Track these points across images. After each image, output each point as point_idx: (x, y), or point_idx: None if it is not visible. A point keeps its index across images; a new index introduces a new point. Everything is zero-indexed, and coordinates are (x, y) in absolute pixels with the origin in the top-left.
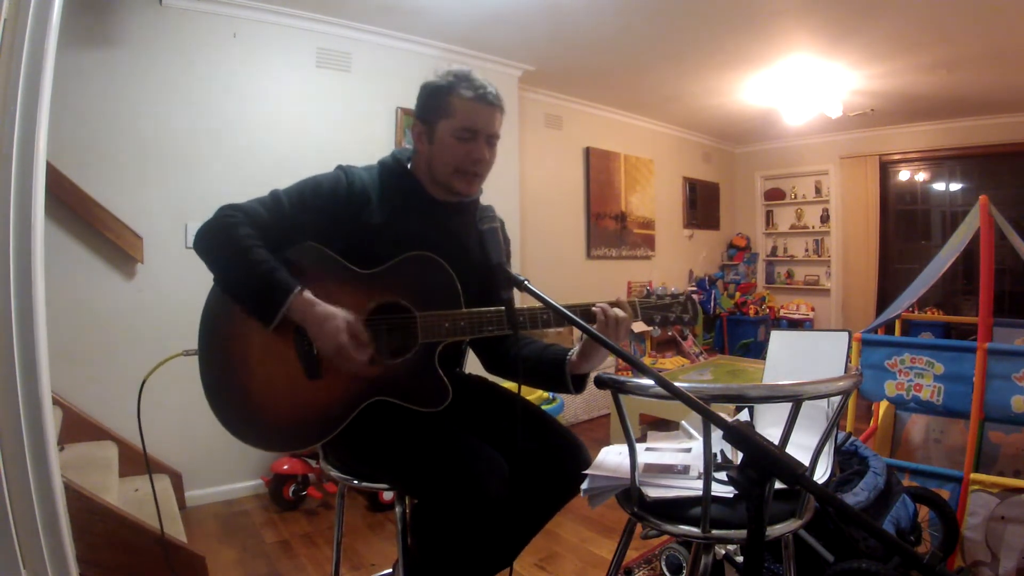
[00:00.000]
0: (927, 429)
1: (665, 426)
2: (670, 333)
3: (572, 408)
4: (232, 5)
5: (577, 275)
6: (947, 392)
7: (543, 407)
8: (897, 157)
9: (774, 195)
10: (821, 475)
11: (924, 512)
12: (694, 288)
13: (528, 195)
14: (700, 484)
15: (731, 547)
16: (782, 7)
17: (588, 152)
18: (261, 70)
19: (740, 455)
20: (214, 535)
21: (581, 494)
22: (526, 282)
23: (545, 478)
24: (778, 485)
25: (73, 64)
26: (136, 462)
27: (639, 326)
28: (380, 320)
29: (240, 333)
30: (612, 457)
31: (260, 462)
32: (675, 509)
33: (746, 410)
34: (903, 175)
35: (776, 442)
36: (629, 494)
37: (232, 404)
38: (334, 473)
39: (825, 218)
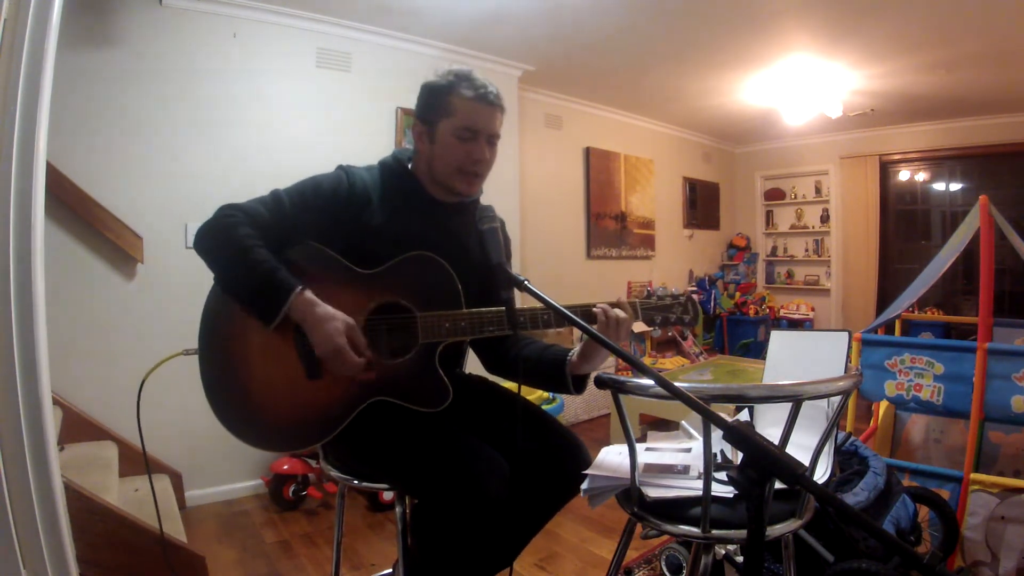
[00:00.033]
0: (927, 429)
1: (665, 426)
2: (670, 333)
3: (572, 408)
4: (232, 5)
5: (577, 275)
6: (947, 392)
7: (543, 407)
8: (897, 157)
9: (774, 195)
10: (821, 475)
11: (924, 512)
12: (694, 288)
13: (528, 195)
14: (700, 484)
15: (731, 547)
16: (782, 7)
17: (588, 152)
18: (261, 70)
19: (740, 455)
20: (214, 535)
21: (581, 494)
22: (526, 282)
23: (545, 478)
24: (778, 485)
25: (73, 64)
26: (136, 462)
27: (639, 326)
28: (381, 320)
29: (240, 332)
30: (612, 457)
31: (260, 462)
32: (675, 509)
33: (746, 410)
34: (903, 175)
35: (776, 442)
36: (629, 494)
37: (232, 404)
38: (334, 473)
39: (825, 218)
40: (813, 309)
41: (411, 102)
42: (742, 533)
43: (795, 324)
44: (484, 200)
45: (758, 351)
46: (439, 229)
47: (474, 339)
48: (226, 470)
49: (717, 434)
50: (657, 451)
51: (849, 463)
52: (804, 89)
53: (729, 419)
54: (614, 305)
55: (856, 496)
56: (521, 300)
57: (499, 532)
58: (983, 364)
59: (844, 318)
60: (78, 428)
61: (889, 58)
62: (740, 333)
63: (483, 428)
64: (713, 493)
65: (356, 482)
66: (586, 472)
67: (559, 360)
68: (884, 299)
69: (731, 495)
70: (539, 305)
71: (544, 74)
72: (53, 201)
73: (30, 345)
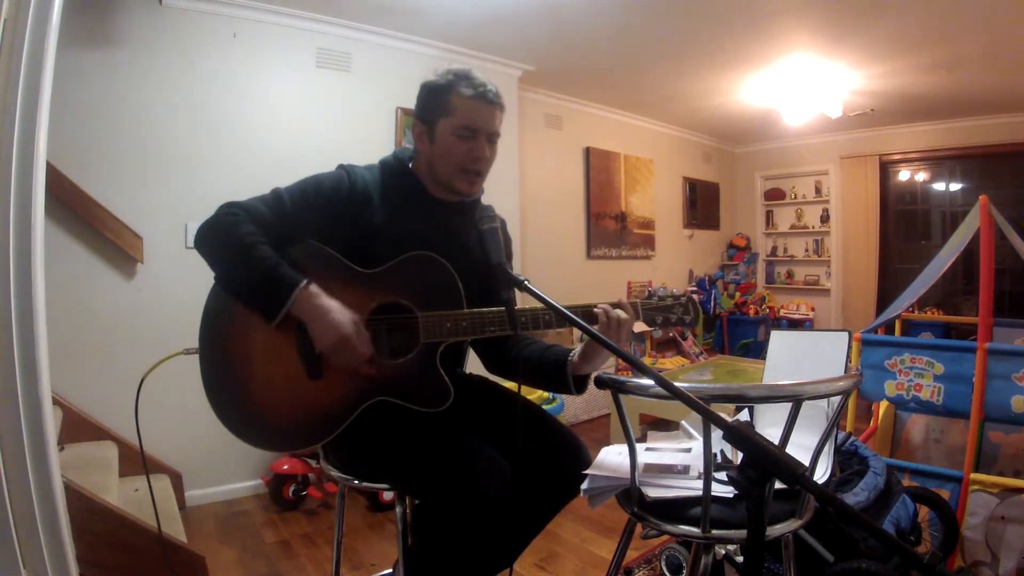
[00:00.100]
0: (927, 429)
1: (665, 426)
2: (671, 334)
3: (572, 408)
4: (232, 5)
5: (577, 275)
6: (947, 392)
7: (543, 407)
8: (897, 157)
9: (774, 195)
10: (821, 475)
11: (924, 512)
12: (694, 288)
13: (528, 195)
14: (700, 484)
15: (731, 547)
16: (782, 7)
17: (588, 152)
18: (261, 70)
19: (740, 455)
20: (214, 535)
21: (581, 494)
22: (526, 282)
23: (545, 478)
24: (778, 485)
25: (73, 64)
26: (136, 462)
27: (639, 326)
28: (382, 320)
29: (241, 332)
30: (612, 457)
31: (260, 462)
32: (675, 509)
33: (746, 410)
34: (903, 175)
35: (776, 442)
36: (629, 494)
37: (233, 403)
38: (334, 473)
39: (825, 218)
40: (813, 309)
41: (411, 102)
42: (742, 533)
43: (795, 324)
44: (484, 200)
45: (758, 351)
46: (440, 229)
47: (475, 339)
48: (226, 470)
49: (717, 434)
50: (657, 451)
51: (849, 463)
52: (804, 89)
53: (729, 419)
54: (615, 305)
55: (856, 496)
56: (522, 300)
57: (500, 532)
58: (983, 364)
59: (844, 318)
60: (78, 428)
61: (889, 58)
62: (740, 333)
63: (484, 428)
64: (713, 493)
65: (356, 482)
66: (586, 472)
67: (560, 360)
68: (884, 299)
69: (731, 495)
70: (540, 305)
71: (544, 74)
72: (53, 201)
73: (30, 345)
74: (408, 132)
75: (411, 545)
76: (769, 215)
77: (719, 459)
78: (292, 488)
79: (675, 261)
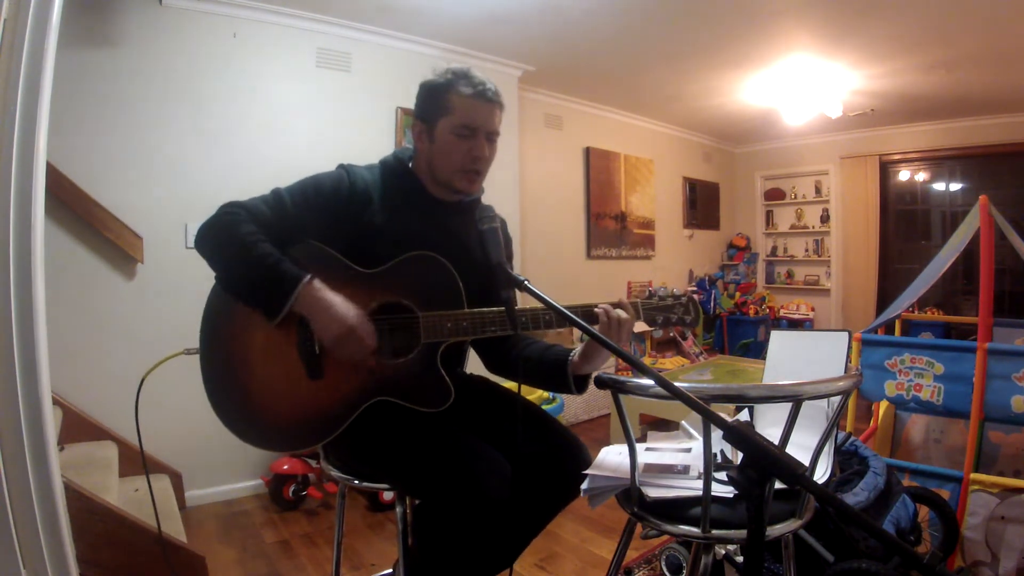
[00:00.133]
0: (927, 429)
1: (665, 426)
2: (671, 334)
3: (572, 408)
4: (232, 5)
5: (577, 275)
6: (947, 392)
7: (543, 407)
8: (897, 157)
9: (774, 195)
10: (821, 475)
11: (924, 512)
12: (694, 288)
13: (528, 195)
14: (700, 484)
15: (731, 547)
16: (782, 7)
17: (588, 152)
18: (261, 70)
19: (740, 455)
20: (214, 535)
21: (581, 494)
22: (526, 282)
23: (546, 478)
24: (778, 485)
25: (73, 64)
26: (136, 462)
27: (640, 326)
28: (382, 320)
29: (242, 332)
30: (612, 457)
31: (260, 462)
32: (675, 509)
33: (746, 410)
34: (903, 175)
35: (776, 442)
36: (629, 494)
37: (234, 403)
38: (335, 473)
39: (825, 218)
40: (813, 309)
41: (411, 102)
42: (742, 533)
43: (795, 324)
44: (484, 200)
45: (758, 351)
46: (440, 228)
47: (475, 339)
48: (226, 470)
49: (717, 434)
50: (657, 451)
51: (849, 463)
52: (804, 89)
53: (729, 419)
54: (616, 305)
55: (856, 496)
56: (522, 300)
57: (500, 533)
58: (983, 364)
59: (844, 318)
60: (78, 428)
61: (889, 58)
62: (740, 333)
63: (484, 429)
64: (713, 493)
65: (357, 482)
66: (586, 472)
67: (561, 360)
68: (884, 299)
69: (731, 495)
70: (540, 305)
71: (544, 74)
72: (53, 201)
73: (30, 345)
74: (408, 132)
75: (411, 545)
76: (769, 215)
77: (719, 459)
78: (292, 488)
79: (675, 261)
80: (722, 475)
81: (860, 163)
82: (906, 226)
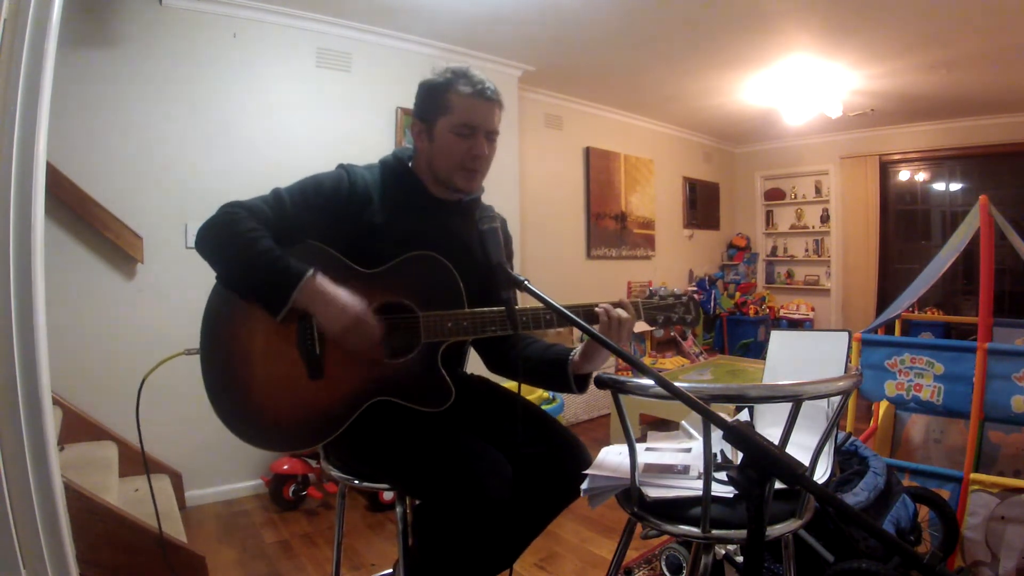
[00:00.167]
0: (927, 429)
1: (665, 426)
2: (671, 333)
3: (572, 408)
4: (232, 5)
5: (577, 275)
6: (947, 392)
7: (543, 407)
8: (897, 157)
9: (774, 195)
10: (821, 475)
11: (924, 512)
12: (694, 288)
13: (528, 195)
14: (700, 484)
15: (731, 547)
16: (782, 7)
17: (588, 152)
18: (261, 70)
19: (740, 455)
20: (214, 535)
21: (581, 494)
22: (526, 282)
23: (546, 478)
24: (778, 485)
25: (73, 64)
26: (136, 462)
27: (640, 325)
28: (383, 320)
29: (243, 332)
30: (612, 457)
31: (260, 462)
32: (675, 509)
33: (746, 410)
34: (903, 175)
35: (776, 442)
36: (629, 494)
37: (234, 403)
38: (335, 473)
39: (825, 218)
40: (813, 309)
41: (411, 102)
42: (742, 533)
43: (795, 324)
44: (484, 200)
45: (758, 351)
46: (440, 228)
47: (476, 339)
48: (226, 470)
49: (717, 434)
50: (657, 451)
51: (849, 463)
52: (804, 89)
53: (729, 419)
54: (616, 305)
55: (856, 496)
56: (522, 300)
57: (500, 533)
58: (983, 364)
59: (844, 318)
60: (78, 428)
61: (889, 58)
62: (740, 333)
63: (484, 429)
64: (713, 493)
65: (357, 482)
66: (586, 472)
67: (561, 360)
68: (884, 299)
69: (731, 495)
70: (541, 305)
71: (544, 74)
72: (53, 201)
73: (30, 345)
74: (408, 132)
75: (411, 545)
76: (769, 215)
77: (719, 459)
78: (292, 488)
79: (675, 261)
80: (722, 475)
81: (860, 163)
82: (906, 226)
